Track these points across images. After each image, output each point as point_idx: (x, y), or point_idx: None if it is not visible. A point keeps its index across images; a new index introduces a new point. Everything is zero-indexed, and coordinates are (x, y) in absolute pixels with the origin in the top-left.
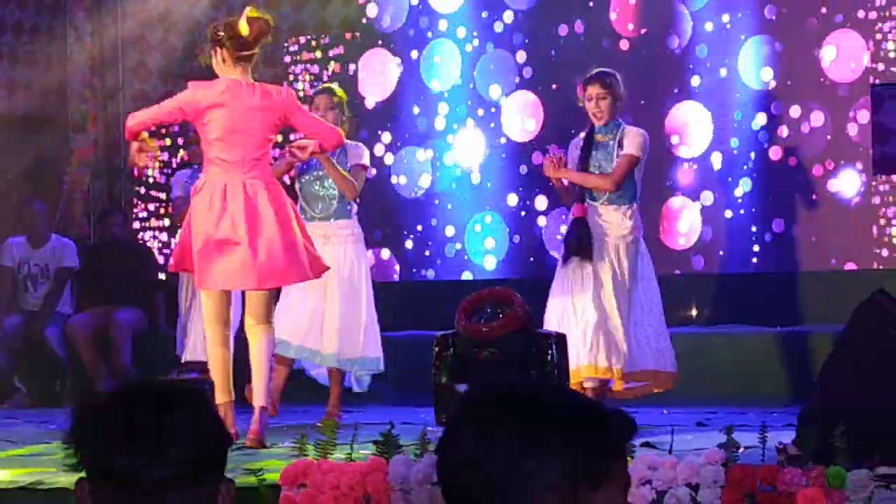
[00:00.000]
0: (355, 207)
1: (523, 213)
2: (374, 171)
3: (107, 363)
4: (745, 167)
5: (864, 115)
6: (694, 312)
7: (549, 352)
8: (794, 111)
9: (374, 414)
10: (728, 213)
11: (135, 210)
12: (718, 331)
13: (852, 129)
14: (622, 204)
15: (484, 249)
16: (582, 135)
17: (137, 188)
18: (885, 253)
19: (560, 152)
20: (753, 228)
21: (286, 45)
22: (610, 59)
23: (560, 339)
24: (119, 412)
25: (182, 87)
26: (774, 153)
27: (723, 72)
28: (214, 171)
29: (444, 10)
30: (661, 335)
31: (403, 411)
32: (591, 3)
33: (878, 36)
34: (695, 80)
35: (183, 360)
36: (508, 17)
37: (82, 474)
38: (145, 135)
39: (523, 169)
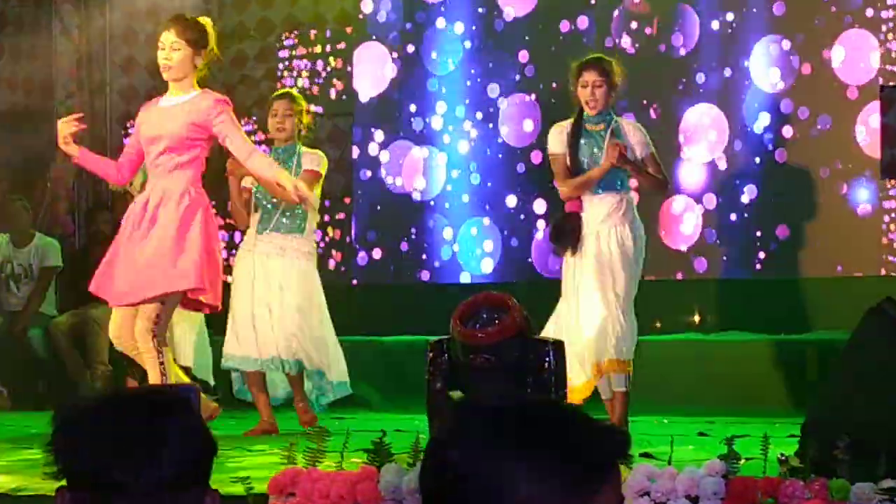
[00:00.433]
0: (313, 224)
1: (522, 217)
2: (369, 173)
3: (88, 365)
4: (750, 170)
5: (874, 118)
6: (696, 318)
7: (547, 359)
8: (802, 113)
9: (365, 421)
10: (732, 216)
11: (122, 208)
12: (720, 337)
13: (861, 133)
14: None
15: (481, 252)
16: (567, 122)
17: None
18: (893, 259)
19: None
20: (758, 233)
21: (283, 38)
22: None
23: (558, 346)
24: (102, 419)
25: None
26: (780, 156)
27: (728, 72)
28: None
29: (444, 5)
30: None
31: (395, 418)
32: (593, 1)
33: (891, 36)
34: (699, 80)
35: None
36: (509, 13)
37: (63, 482)
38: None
39: (521, 168)
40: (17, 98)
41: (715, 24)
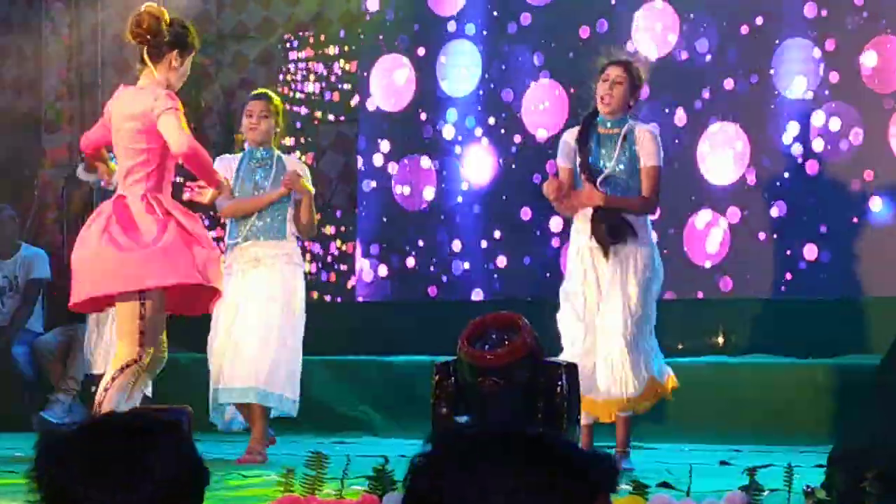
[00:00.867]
0: (292, 227)
1: (537, 232)
2: (373, 183)
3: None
4: (778, 184)
5: None
6: (720, 340)
7: (559, 382)
8: (833, 124)
9: (367, 446)
10: (759, 233)
11: None
12: (745, 361)
13: None
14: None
15: (492, 268)
16: (574, 129)
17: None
18: None
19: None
20: (787, 251)
21: (286, 40)
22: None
23: (570, 369)
24: (88, 445)
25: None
26: (811, 168)
27: (755, 79)
28: None
29: (455, 6)
30: None
31: (399, 443)
32: (613, 2)
33: None
34: (726, 87)
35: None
36: (526, 16)
37: None
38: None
39: (537, 179)
40: (3, 100)
41: (743, 29)
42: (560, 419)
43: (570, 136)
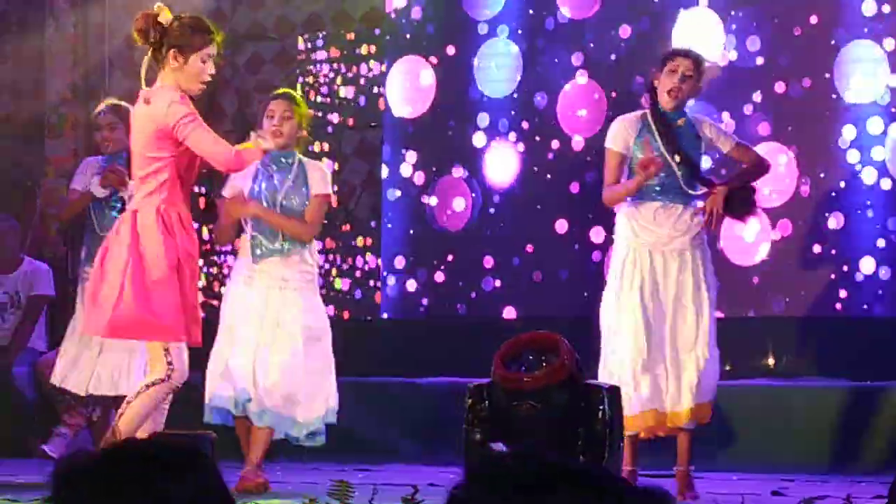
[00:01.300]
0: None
1: (575, 245)
2: (398, 193)
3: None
4: (833, 193)
5: None
6: (770, 361)
7: (601, 407)
8: (894, 130)
9: (394, 473)
10: (813, 246)
11: None
12: (799, 384)
13: None
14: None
15: (526, 284)
16: (633, 116)
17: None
18: None
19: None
20: (844, 267)
21: (305, 40)
22: None
23: (613, 392)
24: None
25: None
26: (868, 177)
27: (809, 82)
28: None
29: (488, 2)
30: None
31: (429, 471)
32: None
33: None
34: (778, 91)
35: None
36: (563, 13)
37: None
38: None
39: (574, 189)
40: (3, 104)
41: (796, 29)
42: (601, 446)
43: (626, 122)
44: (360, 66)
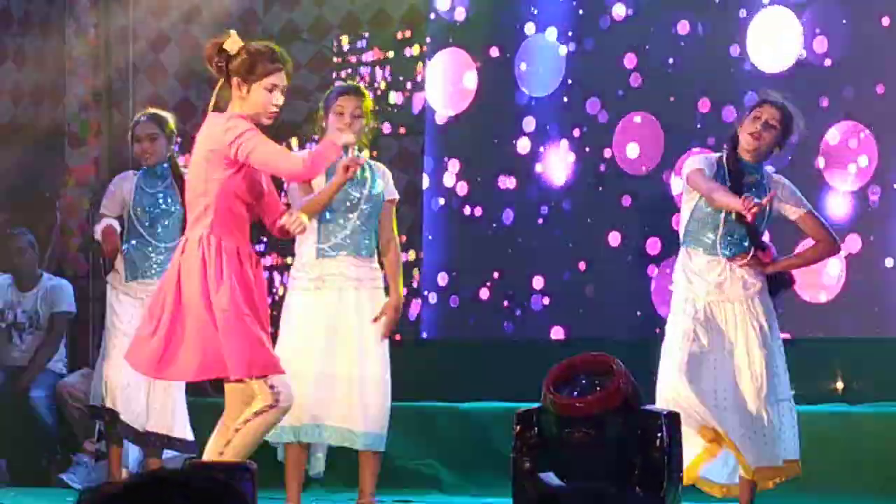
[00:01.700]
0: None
1: (628, 258)
2: (441, 202)
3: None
4: None
5: None
6: (839, 385)
7: (659, 434)
8: None
9: None
10: (884, 261)
11: None
12: (869, 409)
13: None
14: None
15: (578, 301)
16: (714, 156)
17: None
18: None
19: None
20: None
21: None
22: (742, 68)
23: (672, 419)
24: None
25: (206, 92)
26: None
27: (881, 88)
28: None
29: (535, 5)
30: None
31: (471, 502)
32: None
33: None
34: (846, 95)
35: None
36: (616, 11)
37: None
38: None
39: (627, 201)
40: (21, 110)
41: (867, 28)
42: (659, 476)
43: (709, 162)
44: (400, 68)
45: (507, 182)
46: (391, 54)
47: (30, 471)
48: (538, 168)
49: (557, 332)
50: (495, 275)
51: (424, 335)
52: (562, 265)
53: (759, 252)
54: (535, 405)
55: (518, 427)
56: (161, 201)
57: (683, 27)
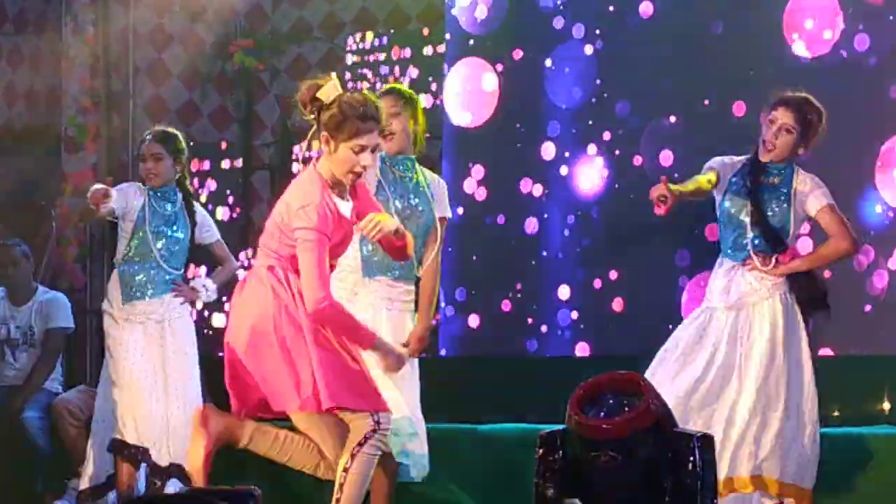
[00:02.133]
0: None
1: (660, 271)
2: (461, 212)
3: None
4: None
5: None
6: (886, 406)
7: (692, 457)
8: None
9: None
10: None
11: None
12: None
13: None
14: None
15: (605, 315)
16: (737, 159)
17: None
18: None
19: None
20: None
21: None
22: (782, 67)
23: (706, 441)
24: None
25: (211, 94)
26: None
27: None
28: None
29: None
30: None
31: None
32: None
33: None
34: (892, 96)
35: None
36: (646, 9)
37: None
38: None
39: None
40: (16, 113)
41: None
42: (692, 502)
43: (733, 163)
44: (415, 69)
45: (531, 189)
46: (407, 53)
47: (20, 497)
48: (564, 171)
49: (583, 349)
50: (518, 287)
51: (443, 353)
52: (589, 278)
53: (779, 257)
54: (560, 427)
55: (541, 450)
56: (174, 226)
57: (717, 28)
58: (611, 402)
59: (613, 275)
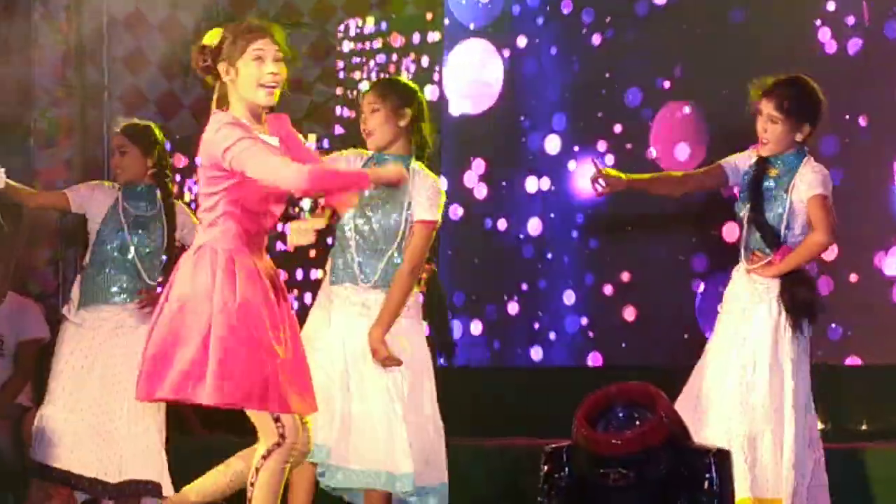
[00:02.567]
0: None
1: (676, 274)
2: (461, 211)
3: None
4: None
5: None
6: None
7: (707, 474)
8: None
9: None
10: None
11: None
12: None
13: None
14: None
15: (615, 322)
16: (752, 153)
17: None
18: None
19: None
20: None
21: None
22: (803, 56)
23: (722, 457)
24: None
25: (192, 84)
26: None
27: None
28: None
29: None
30: None
31: None
32: None
33: None
34: None
35: None
36: None
37: None
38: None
39: (673, 206)
40: None
41: None
42: None
43: (747, 156)
44: (411, 57)
45: (536, 184)
46: (403, 40)
47: None
48: (570, 167)
49: (593, 359)
50: (523, 290)
51: (442, 363)
52: (598, 282)
53: (774, 257)
54: (566, 442)
55: (546, 467)
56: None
57: (734, 17)
58: (621, 415)
59: (623, 278)
